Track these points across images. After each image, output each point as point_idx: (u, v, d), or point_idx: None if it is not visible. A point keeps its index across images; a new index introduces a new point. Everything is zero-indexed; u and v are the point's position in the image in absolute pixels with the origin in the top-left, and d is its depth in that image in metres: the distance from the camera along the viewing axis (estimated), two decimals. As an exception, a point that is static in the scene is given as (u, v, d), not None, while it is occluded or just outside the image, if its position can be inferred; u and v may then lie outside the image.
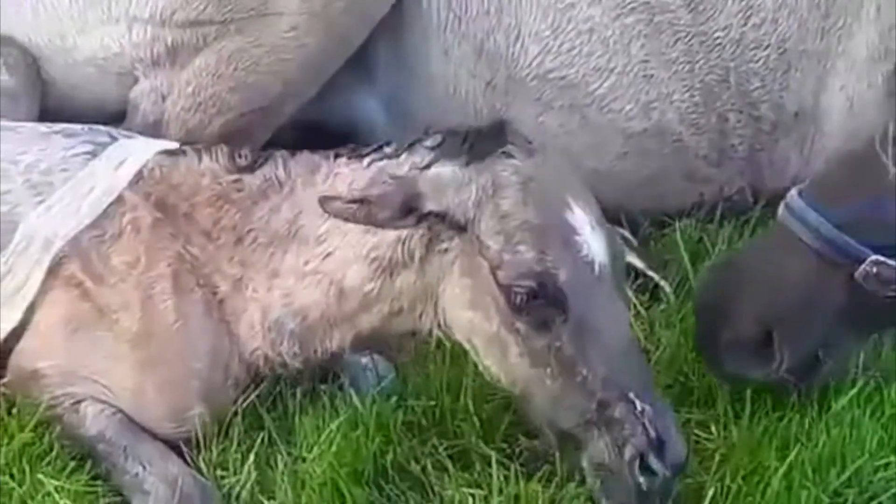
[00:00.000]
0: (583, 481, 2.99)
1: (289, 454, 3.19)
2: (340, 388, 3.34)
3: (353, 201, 2.98)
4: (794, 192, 3.24)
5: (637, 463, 2.86)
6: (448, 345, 3.38)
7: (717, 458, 3.14)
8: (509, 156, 3.00)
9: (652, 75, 3.96)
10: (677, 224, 4.04)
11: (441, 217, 2.96)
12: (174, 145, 3.39)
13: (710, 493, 3.03)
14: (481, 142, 3.03)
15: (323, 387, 3.35)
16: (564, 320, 2.90)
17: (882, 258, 3.08)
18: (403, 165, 3.08)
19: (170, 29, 3.70)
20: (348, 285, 3.09)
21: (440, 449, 3.20)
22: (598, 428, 2.90)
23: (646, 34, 3.94)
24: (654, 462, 2.85)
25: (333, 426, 3.17)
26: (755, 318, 3.18)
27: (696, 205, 4.13)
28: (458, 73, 3.97)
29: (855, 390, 3.28)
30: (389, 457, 3.16)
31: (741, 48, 3.97)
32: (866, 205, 3.12)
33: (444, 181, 2.99)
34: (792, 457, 3.10)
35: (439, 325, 3.09)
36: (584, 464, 2.96)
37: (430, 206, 2.95)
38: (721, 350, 3.24)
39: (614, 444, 2.88)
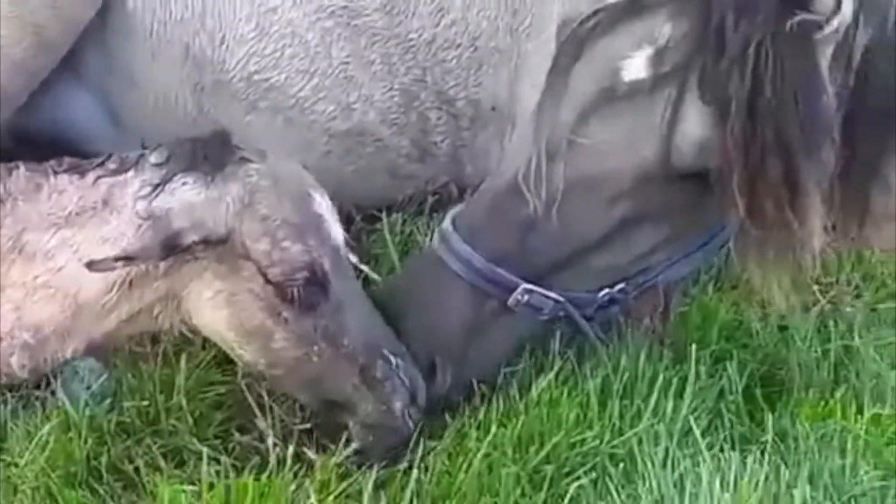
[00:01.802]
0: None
1: (1, 461, 3.17)
2: (53, 393, 3.34)
3: (119, 259, 2.99)
4: (448, 221, 3.39)
5: (406, 413, 3.12)
6: (162, 345, 3.46)
7: (421, 441, 3.26)
8: (247, 160, 3.10)
9: (352, 77, 4.01)
10: (386, 219, 4.14)
11: (204, 242, 3.02)
12: None
13: (414, 474, 3.16)
14: (212, 152, 3.10)
15: (36, 392, 3.35)
16: (327, 300, 3.07)
17: (532, 286, 3.29)
18: (133, 182, 3.10)
19: None
20: (84, 298, 3.10)
21: (154, 448, 3.25)
22: (363, 391, 3.11)
23: (345, 37, 3.97)
24: (414, 410, 3.15)
25: (45, 430, 3.18)
26: (421, 349, 3.29)
27: (403, 200, 4.23)
28: (166, 76, 3.94)
29: (553, 373, 3.43)
30: (103, 458, 3.19)
31: (435, 48, 4.04)
32: (514, 237, 3.29)
33: (198, 208, 3.04)
34: (491, 437, 3.24)
35: (182, 323, 3.16)
36: (353, 427, 3.17)
37: (192, 237, 3.01)
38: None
39: (381, 402, 3.11)
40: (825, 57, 3.12)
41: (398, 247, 4.05)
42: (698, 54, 3.10)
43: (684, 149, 3.15)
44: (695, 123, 3.13)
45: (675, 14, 3.14)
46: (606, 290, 3.41)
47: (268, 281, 3.05)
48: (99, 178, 3.15)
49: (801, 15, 3.05)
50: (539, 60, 4.00)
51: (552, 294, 3.34)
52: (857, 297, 4.02)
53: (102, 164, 3.18)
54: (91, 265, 2.98)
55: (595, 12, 3.25)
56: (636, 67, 3.17)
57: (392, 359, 3.15)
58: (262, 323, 3.09)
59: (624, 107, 3.18)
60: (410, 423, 3.18)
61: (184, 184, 3.08)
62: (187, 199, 3.06)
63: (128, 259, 2.99)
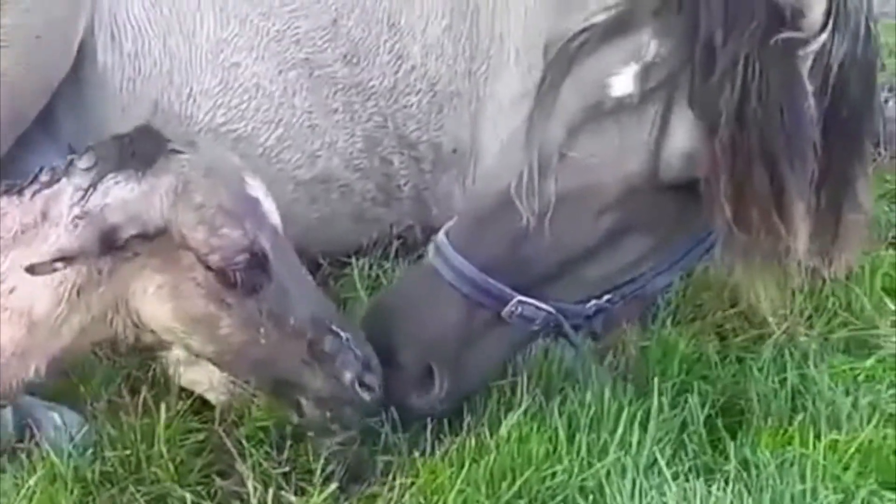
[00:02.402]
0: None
1: (-10, 513, 3.21)
2: (37, 444, 3.37)
3: (56, 260, 2.98)
4: (442, 233, 3.45)
5: (356, 383, 3.16)
6: (141, 395, 3.52)
7: (398, 479, 3.34)
8: (177, 152, 3.10)
9: (316, 126, 4.09)
10: (355, 263, 4.21)
11: (141, 236, 3.02)
12: None
13: (390, 513, 3.23)
14: (141, 148, 3.09)
15: (20, 445, 3.38)
16: (270, 281, 3.10)
17: (525, 298, 3.36)
18: (66, 190, 3.08)
19: None
20: (37, 314, 3.10)
21: (138, 496, 3.30)
22: (313, 366, 3.15)
23: (308, 88, 4.05)
24: (368, 378, 3.18)
25: (32, 482, 3.22)
26: (415, 357, 3.39)
27: (369, 244, 4.30)
28: None
29: (522, 409, 3.49)
30: (89, 508, 3.23)
31: (395, 94, 4.13)
32: (507, 248, 3.35)
33: (132, 203, 3.03)
34: (464, 474, 3.31)
35: (134, 325, 3.15)
36: (306, 405, 3.22)
37: (129, 231, 3.00)
38: (390, 388, 3.35)
39: (332, 376, 3.15)
40: (805, 70, 3.20)
41: (367, 291, 4.12)
42: (685, 69, 3.16)
43: (672, 161, 3.22)
44: (682, 136, 3.19)
45: (660, 31, 3.20)
46: (594, 302, 3.47)
47: (208, 268, 3.06)
48: (35, 192, 3.14)
49: (788, 33, 3.14)
50: (496, 103, 4.17)
51: (545, 306, 3.39)
52: (811, 327, 4.12)
53: (36, 178, 3.17)
54: (31, 269, 2.98)
55: (582, 31, 3.30)
56: (623, 83, 3.23)
57: (341, 333, 3.17)
58: (207, 310, 3.10)
59: (612, 121, 3.24)
60: (364, 394, 3.20)
61: (116, 182, 3.07)
62: (120, 195, 3.05)
63: (66, 259, 2.99)
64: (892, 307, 4.18)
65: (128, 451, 3.41)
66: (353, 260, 4.24)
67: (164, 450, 3.39)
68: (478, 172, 4.21)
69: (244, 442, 3.45)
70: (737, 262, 3.38)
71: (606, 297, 3.49)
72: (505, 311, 3.37)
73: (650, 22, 3.23)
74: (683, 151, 3.20)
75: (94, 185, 3.05)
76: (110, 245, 3.01)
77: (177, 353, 3.44)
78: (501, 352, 3.55)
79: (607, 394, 3.59)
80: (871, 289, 4.21)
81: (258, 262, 3.08)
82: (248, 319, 3.11)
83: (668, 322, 4.00)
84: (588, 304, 3.47)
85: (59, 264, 2.99)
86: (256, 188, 3.15)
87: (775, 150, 3.18)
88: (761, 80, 3.13)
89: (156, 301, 3.10)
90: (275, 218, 3.18)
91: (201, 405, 3.56)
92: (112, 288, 3.10)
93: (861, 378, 3.88)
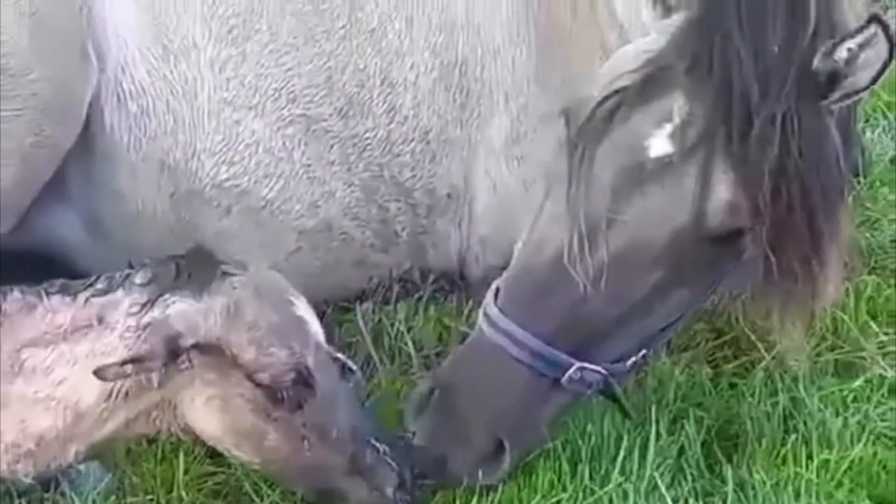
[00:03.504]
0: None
1: (18, 563, 3.29)
2: (63, 494, 3.46)
3: (126, 363, 3.13)
4: (490, 302, 3.46)
5: (397, 496, 3.26)
6: (159, 442, 3.61)
7: None
8: (228, 274, 3.27)
9: (315, 177, 4.16)
10: (358, 308, 4.30)
11: (198, 347, 3.17)
12: None
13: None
14: (196, 270, 3.26)
15: (46, 495, 3.46)
16: (314, 396, 3.23)
17: (584, 364, 3.40)
18: (123, 301, 3.24)
19: None
20: (83, 407, 3.23)
21: (161, 539, 3.38)
22: (355, 478, 3.27)
23: (305, 142, 4.14)
24: (402, 494, 3.28)
25: None
26: (486, 434, 3.43)
27: (370, 289, 4.38)
28: (144, 189, 4.10)
29: None
30: (114, 553, 3.31)
31: (389, 144, 4.20)
32: (565, 316, 3.37)
33: (192, 315, 3.19)
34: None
35: (179, 428, 3.29)
36: None
37: (189, 341, 3.15)
38: (455, 469, 3.45)
39: (374, 487, 3.26)
40: (833, 122, 3.30)
41: (370, 334, 4.21)
42: (721, 128, 3.19)
43: (716, 212, 3.25)
44: (724, 189, 3.23)
45: (692, 91, 3.23)
46: (633, 359, 3.52)
47: (257, 385, 3.19)
48: (89, 298, 3.29)
49: (835, 94, 3.23)
50: (487, 148, 4.26)
51: (599, 369, 3.43)
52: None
53: (91, 284, 3.33)
54: (100, 372, 3.11)
55: (608, 96, 3.32)
56: (661, 144, 3.26)
57: (378, 445, 3.29)
58: (254, 424, 3.23)
59: (654, 181, 3.26)
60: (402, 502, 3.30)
61: (174, 301, 3.23)
62: (180, 308, 3.21)
63: (134, 361, 3.12)
64: (877, 330, 4.28)
65: (149, 497, 3.51)
66: (356, 305, 4.32)
67: (183, 494, 3.50)
68: (476, 212, 4.30)
69: (261, 483, 3.54)
70: (774, 308, 3.48)
71: (643, 351, 3.55)
72: (564, 378, 3.42)
73: (681, 82, 3.24)
74: (726, 203, 3.24)
75: (152, 302, 3.21)
76: (176, 352, 3.14)
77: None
78: (555, 416, 3.58)
79: (607, 423, 3.68)
80: (856, 313, 4.29)
81: (303, 378, 3.21)
82: (293, 432, 3.23)
83: (663, 353, 4.06)
84: (629, 362, 3.53)
85: (127, 367, 3.12)
86: (301, 307, 3.30)
87: (814, 199, 3.27)
88: (800, 136, 3.19)
89: (205, 412, 3.24)
90: (318, 334, 3.31)
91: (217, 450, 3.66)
92: (162, 393, 3.23)
93: (850, 399, 3.96)
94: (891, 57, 3.18)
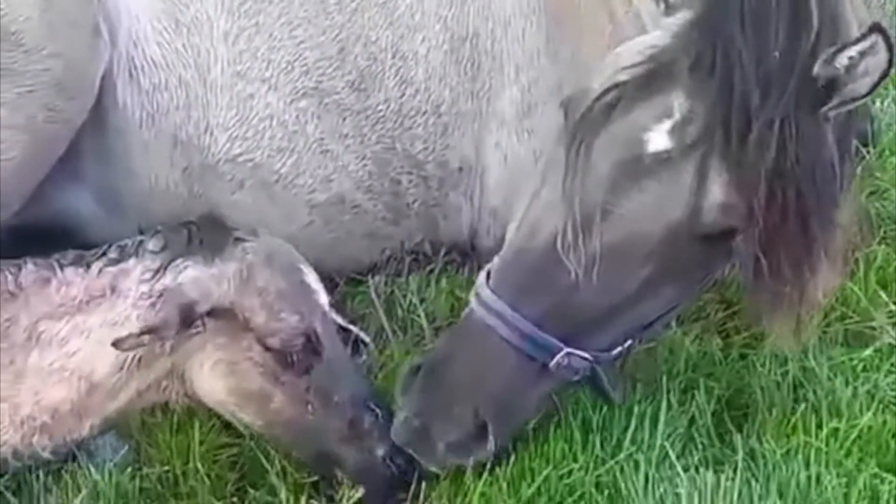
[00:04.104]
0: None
1: (38, 532, 3.35)
2: (80, 466, 3.51)
3: (142, 333, 3.18)
4: (482, 283, 3.46)
5: (389, 457, 3.33)
6: (174, 413, 3.63)
7: (423, 484, 3.47)
8: (241, 240, 3.33)
9: (328, 151, 4.19)
10: (370, 280, 4.33)
11: (212, 312, 3.23)
12: None
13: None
14: (208, 235, 3.32)
15: (65, 466, 3.51)
16: (321, 361, 3.30)
17: (572, 350, 3.40)
18: (135, 268, 3.30)
19: None
20: (97, 378, 3.28)
21: (174, 509, 3.43)
22: (352, 442, 3.34)
23: (318, 115, 4.16)
24: (397, 458, 3.35)
25: (77, 501, 3.38)
26: (471, 414, 3.42)
27: (382, 261, 4.41)
28: (157, 164, 4.11)
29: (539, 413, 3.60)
30: (131, 523, 3.37)
31: (401, 117, 4.22)
32: (556, 301, 3.37)
33: (205, 281, 3.25)
34: (487, 474, 3.46)
35: (185, 395, 3.36)
36: (341, 476, 3.38)
37: (203, 307, 3.22)
38: (439, 446, 3.43)
39: (366, 450, 3.33)
40: (830, 127, 3.30)
41: (383, 306, 4.24)
42: (720, 128, 3.20)
43: (711, 210, 3.25)
44: (719, 188, 3.24)
45: (693, 89, 3.23)
46: (619, 349, 3.53)
47: (267, 349, 3.27)
48: (102, 268, 3.35)
49: (834, 101, 3.23)
50: (498, 121, 4.28)
51: (587, 355, 3.43)
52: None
53: (104, 254, 3.38)
54: (118, 343, 3.16)
55: (610, 88, 3.32)
56: (659, 139, 3.26)
57: (377, 410, 3.37)
58: (262, 387, 3.30)
59: (651, 175, 3.27)
60: (393, 468, 3.37)
61: (186, 266, 3.29)
62: (193, 275, 3.27)
63: (151, 332, 3.17)
64: (887, 300, 4.29)
65: (165, 468, 3.56)
66: (368, 277, 4.36)
67: (199, 465, 3.54)
68: (487, 184, 4.32)
69: (275, 453, 3.58)
70: (763, 311, 3.48)
71: (629, 342, 3.56)
72: (552, 363, 3.41)
73: (682, 80, 3.25)
74: (721, 202, 3.25)
75: (163, 268, 3.27)
76: (190, 319, 3.21)
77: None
78: (540, 402, 3.59)
79: (618, 393, 3.68)
80: (865, 283, 4.31)
81: (311, 344, 3.29)
82: (298, 396, 3.31)
83: (674, 323, 4.07)
84: (614, 352, 3.53)
85: (144, 337, 3.18)
86: (310, 276, 3.38)
87: (808, 205, 3.27)
88: (798, 141, 3.20)
89: (211, 376, 3.31)
90: (324, 302, 3.38)
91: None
92: (173, 360, 3.30)
93: (859, 368, 3.99)
94: (890, 66, 3.19)
